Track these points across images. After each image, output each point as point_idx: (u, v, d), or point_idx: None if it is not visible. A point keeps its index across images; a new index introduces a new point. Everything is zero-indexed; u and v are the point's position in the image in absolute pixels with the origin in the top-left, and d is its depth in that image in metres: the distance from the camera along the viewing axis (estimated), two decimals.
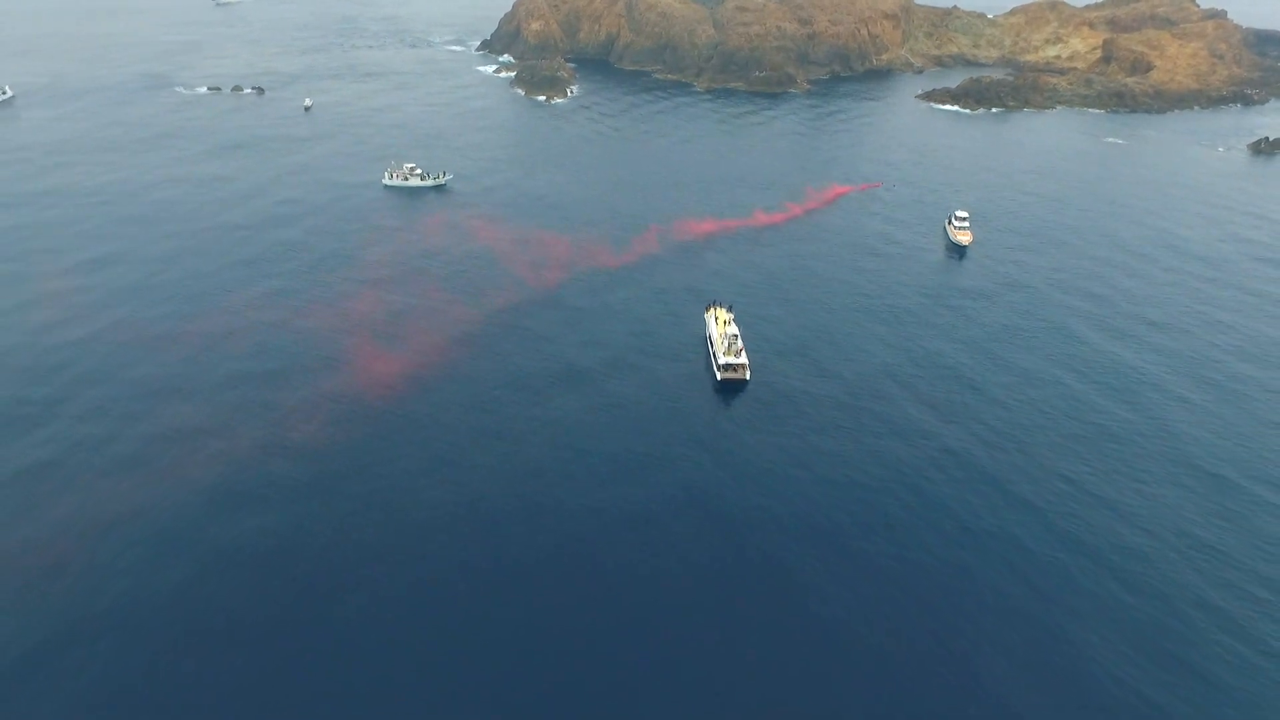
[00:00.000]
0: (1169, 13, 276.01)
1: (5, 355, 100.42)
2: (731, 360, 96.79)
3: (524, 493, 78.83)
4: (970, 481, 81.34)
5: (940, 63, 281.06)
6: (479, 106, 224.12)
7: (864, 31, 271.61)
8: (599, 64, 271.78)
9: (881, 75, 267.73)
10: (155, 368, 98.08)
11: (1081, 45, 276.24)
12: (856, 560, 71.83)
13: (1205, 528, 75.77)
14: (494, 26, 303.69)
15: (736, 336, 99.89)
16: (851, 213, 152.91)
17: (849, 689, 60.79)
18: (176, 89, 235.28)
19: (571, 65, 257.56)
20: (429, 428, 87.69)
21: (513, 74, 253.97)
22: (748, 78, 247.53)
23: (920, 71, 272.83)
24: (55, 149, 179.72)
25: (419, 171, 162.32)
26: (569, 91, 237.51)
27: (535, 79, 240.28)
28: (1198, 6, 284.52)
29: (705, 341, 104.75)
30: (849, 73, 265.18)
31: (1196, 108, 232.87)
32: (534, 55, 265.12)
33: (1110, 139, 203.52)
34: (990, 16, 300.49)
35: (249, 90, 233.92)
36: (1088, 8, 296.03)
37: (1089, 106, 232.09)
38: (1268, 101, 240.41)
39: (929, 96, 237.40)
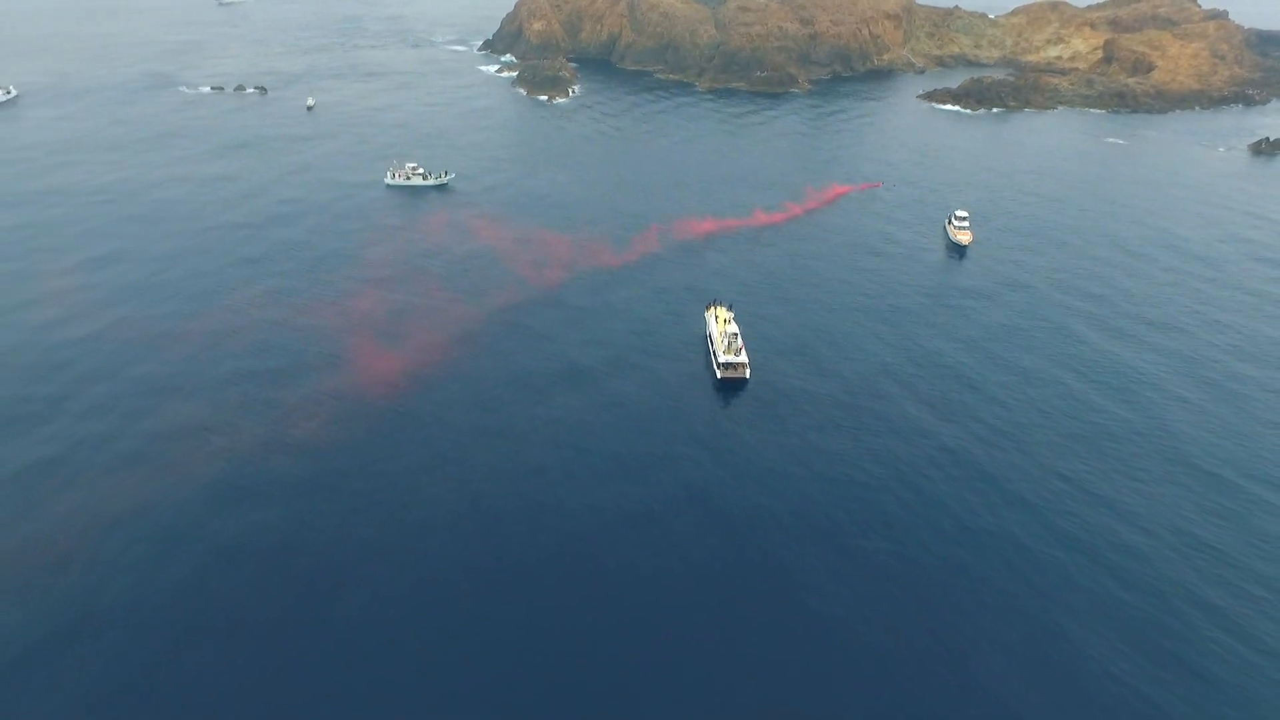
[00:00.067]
0: (1170, 13, 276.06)
1: (9, 353, 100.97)
2: (731, 359, 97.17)
3: (525, 491, 79.24)
4: (968, 480, 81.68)
5: (942, 63, 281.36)
6: (481, 106, 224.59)
7: (865, 32, 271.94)
8: (601, 64, 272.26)
9: (883, 75, 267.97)
10: (158, 365, 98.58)
11: (1083, 45, 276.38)
12: (855, 558, 72.18)
13: (1202, 526, 76.05)
14: (496, 26, 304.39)
15: (736, 335, 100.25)
16: (852, 212, 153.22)
17: (847, 685, 61.14)
18: (180, 88, 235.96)
19: (573, 65, 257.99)
20: (430, 426, 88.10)
21: (515, 74, 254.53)
22: (749, 78, 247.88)
23: (921, 72, 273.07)
24: (59, 148, 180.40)
25: (421, 171, 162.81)
26: (571, 91, 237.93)
27: (537, 79, 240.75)
28: (1199, 7, 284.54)
29: (705, 340, 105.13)
30: (850, 73, 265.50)
31: (1197, 108, 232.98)
32: (536, 55, 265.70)
33: (1111, 139, 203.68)
34: (992, 17, 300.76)
35: (252, 90, 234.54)
36: (1089, 8, 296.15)
37: (1090, 107, 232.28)
38: (1269, 102, 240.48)
39: (930, 96, 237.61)
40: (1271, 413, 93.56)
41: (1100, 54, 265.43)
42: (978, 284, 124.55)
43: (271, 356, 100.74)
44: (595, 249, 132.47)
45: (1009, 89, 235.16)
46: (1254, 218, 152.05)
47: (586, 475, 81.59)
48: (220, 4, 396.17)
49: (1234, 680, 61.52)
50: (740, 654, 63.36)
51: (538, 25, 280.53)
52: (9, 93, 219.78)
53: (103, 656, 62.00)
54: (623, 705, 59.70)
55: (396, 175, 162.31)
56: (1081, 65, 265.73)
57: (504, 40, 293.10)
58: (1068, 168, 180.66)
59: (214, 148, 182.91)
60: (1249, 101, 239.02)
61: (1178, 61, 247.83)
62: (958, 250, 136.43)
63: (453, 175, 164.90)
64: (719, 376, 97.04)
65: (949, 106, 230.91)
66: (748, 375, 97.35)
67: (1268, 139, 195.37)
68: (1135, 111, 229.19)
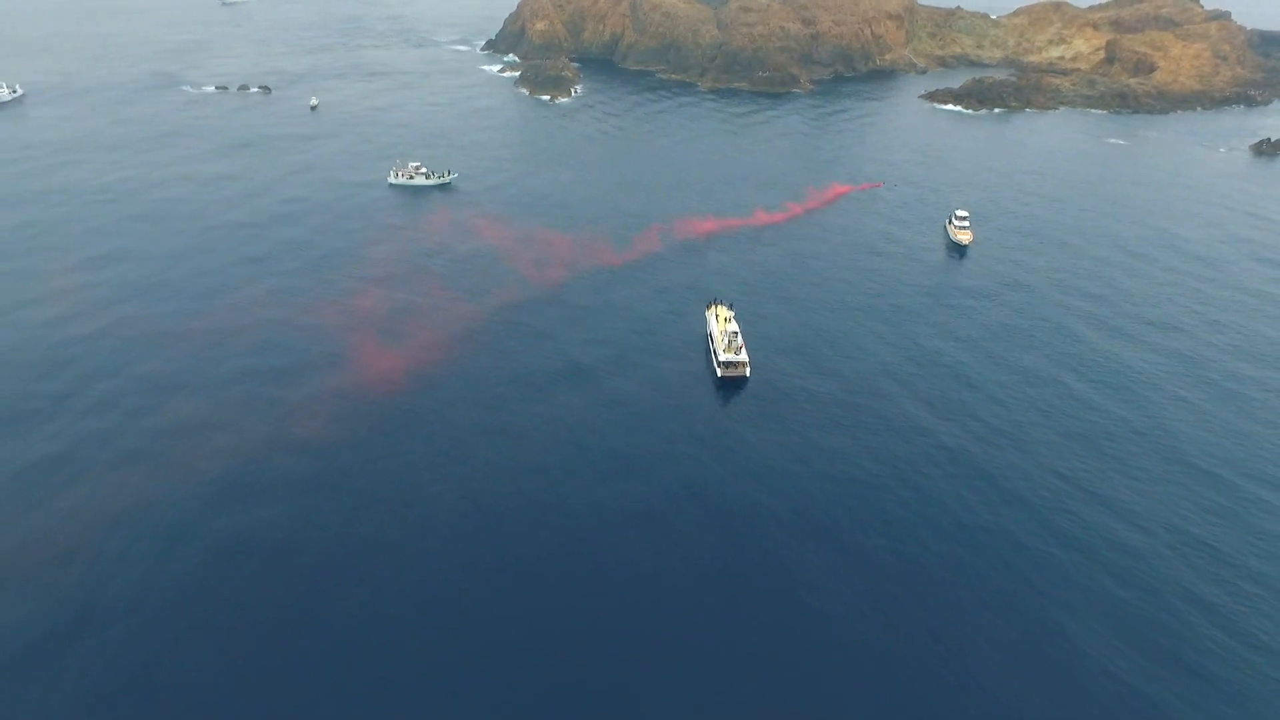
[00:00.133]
0: (1173, 14, 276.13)
1: (14, 351, 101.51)
2: (732, 358, 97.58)
3: (526, 489, 79.68)
4: (967, 478, 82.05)
5: (943, 63, 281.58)
6: (483, 106, 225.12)
7: (867, 32, 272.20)
8: (603, 64, 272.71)
9: (885, 75, 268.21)
10: (162, 363, 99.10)
11: (1085, 46, 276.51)
12: (854, 555, 72.57)
13: (1199, 525, 76.39)
14: (499, 26, 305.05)
15: (737, 334, 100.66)
16: (852, 212, 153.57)
17: (846, 683, 61.49)
18: (184, 88, 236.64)
19: (576, 65, 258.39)
20: (432, 424, 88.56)
21: (517, 73, 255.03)
22: (751, 78, 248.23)
23: (923, 72, 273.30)
24: (63, 147, 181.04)
25: (424, 170, 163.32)
26: (573, 91, 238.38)
27: (540, 78, 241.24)
28: (1201, 7, 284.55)
29: (706, 339, 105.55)
30: (852, 73, 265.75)
31: (1199, 109, 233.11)
32: (538, 55, 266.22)
33: (1112, 140, 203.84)
34: (994, 17, 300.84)
35: (255, 89, 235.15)
36: (1091, 9, 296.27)
37: (1092, 107, 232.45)
38: (1270, 103, 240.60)
39: (932, 97, 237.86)
40: (1270, 412, 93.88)
41: (1102, 54, 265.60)
42: (978, 284, 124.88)
43: (274, 355, 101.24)
44: (597, 248, 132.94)
45: (1011, 89, 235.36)
46: (1255, 218, 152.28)
47: (587, 473, 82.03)
48: (223, 4, 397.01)
49: (1230, 677, 61.88)
50: (740, 651, 63.73)
51: (540, 25, 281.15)
52: (14, 91, 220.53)
53: (105, 653, 62.39)
54: (623, 703, 60.07)
55: (399, 175, 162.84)
56: (1083, 66, 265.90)
57: (507, 40, 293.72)
58: (1069, 168, 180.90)
59: (217, 147, 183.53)
60: (1251, 102, 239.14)
61: (1179, 62, 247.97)
62: (958, 250, 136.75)
63: (455, 175, 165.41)
64: (719, 375, 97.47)
65: (950, 107, 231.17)
66: (748, 374, 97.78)
67: (1269, 140, 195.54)
68: (1137, 112, 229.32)
